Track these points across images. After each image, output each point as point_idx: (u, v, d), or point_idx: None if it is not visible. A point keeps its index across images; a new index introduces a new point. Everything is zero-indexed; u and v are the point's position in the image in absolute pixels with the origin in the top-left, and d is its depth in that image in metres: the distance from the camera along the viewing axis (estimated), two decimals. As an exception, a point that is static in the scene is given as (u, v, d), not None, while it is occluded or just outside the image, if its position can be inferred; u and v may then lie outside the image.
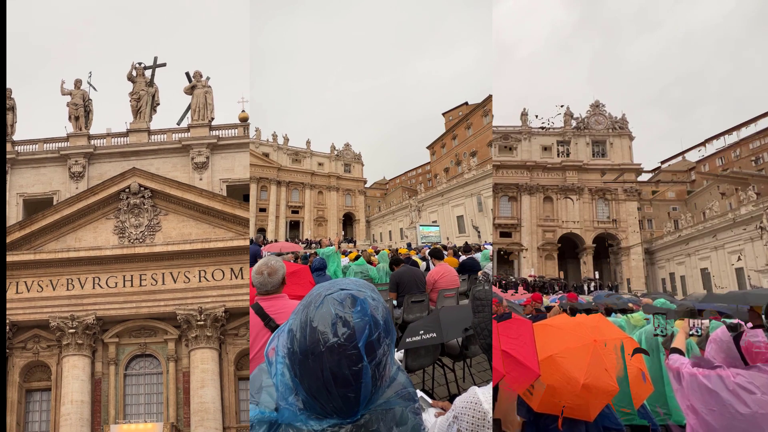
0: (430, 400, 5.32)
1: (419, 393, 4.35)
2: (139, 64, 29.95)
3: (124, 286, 26.10)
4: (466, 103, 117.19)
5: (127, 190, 26.58)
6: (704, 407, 4.27)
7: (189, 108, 29.11)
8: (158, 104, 30.06)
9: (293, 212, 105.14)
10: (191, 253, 26.02)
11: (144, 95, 29.23)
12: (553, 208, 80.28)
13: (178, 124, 29.54)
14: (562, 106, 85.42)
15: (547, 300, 27.57)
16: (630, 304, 20.19)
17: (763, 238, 52.65)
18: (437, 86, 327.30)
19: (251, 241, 33.60)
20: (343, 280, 2.13)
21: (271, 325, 5.11)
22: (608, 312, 15.30)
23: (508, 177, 79.98)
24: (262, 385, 2.13)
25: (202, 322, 25.35)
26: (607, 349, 5.17)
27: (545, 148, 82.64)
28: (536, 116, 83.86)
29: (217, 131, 28.76)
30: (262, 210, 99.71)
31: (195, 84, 29.18)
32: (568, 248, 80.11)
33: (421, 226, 71.04)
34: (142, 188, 26.61)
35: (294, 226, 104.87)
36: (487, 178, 77.34)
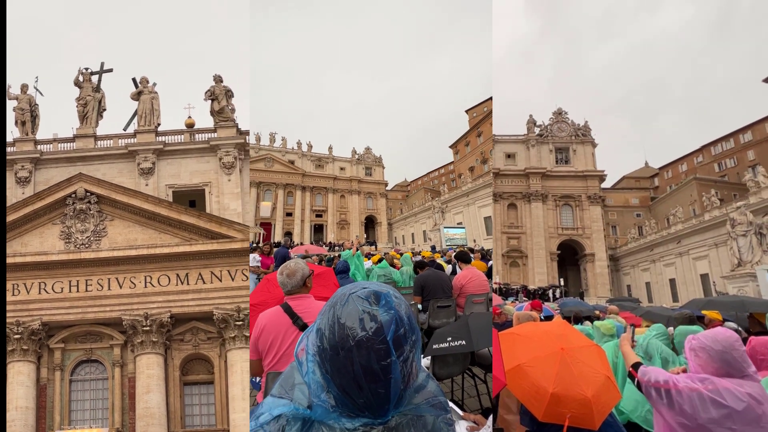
0: (460, 412, 5.32)
1: (449, 404, 4.30)
2: (86, 69, 29.98)
3: (70, 291, 26.01)
4: (491, 99, 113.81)
5: (73, 195, 26.53)
6: (718, 426, 4.00)
7: (135, 114, 29.17)
8: (104, 110, 30.00)
9: (317, 216, 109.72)
10: (137, 258, 26.01)
11: (91, 100, 29.16)
12: (517, 214, 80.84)
13: (125, 129, 29.62)
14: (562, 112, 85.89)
15: (512, 308, 27.83)
16: (597, 312, 20.42)
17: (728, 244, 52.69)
18: (457, 84, 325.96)
19: (278, 244, 34.25)
20: (364, 281, 2.22)
21: (298, 323, 5.38)
22: (577, 320, 15.53)
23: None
24: (295, 383, 2.15)
25: (147, 328, 25.36)
26: (576, 357, 5.04)
27: (509, 156, 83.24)
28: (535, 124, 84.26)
29: (163, 137, 28.81)
30: (289, 214, 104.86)
31: (141, 90, 29.23)
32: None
33: (445, 228, 68.99)
34: (88, 193, 26.55)
35: (318, 230, 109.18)
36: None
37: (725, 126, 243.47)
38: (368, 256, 29.23)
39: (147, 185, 28.00)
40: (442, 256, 28.92)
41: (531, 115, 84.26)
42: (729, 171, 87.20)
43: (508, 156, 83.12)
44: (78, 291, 26.02)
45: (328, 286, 9.11)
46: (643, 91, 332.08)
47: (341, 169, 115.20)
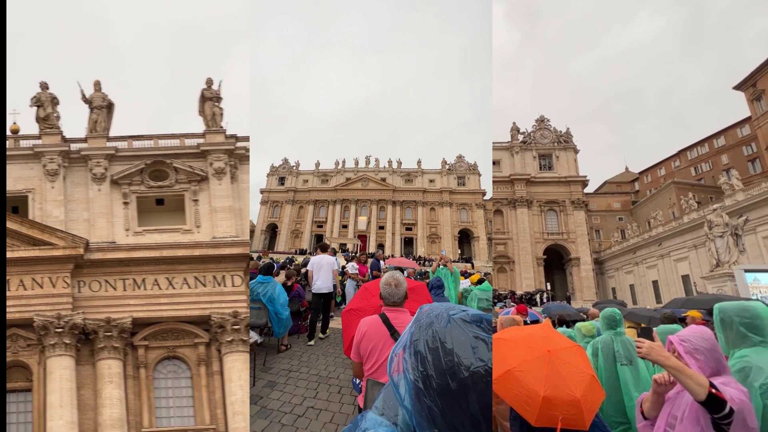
0: None
1: None
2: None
3: None
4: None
5: None
6: None
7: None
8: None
9: (407, 229, 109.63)
10: (-44, 264, 24.46)
11: None
12: (503, 220, 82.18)
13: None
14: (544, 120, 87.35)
15: (498, 312, 26.92)
16: (583, 314, 21.23)
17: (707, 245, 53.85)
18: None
19: (372, 255, 34.11)
20: (451, 303, 1.81)
21: (395, 336, 5.32)
22: (561, 323, 15.61)
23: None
24: (398, 404, 1.85)
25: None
26: (562, 358, 4.95)
27: (493, 162, 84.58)
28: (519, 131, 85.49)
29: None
30: (381, 228, 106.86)
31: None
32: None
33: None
34: None
35: (408, 243, 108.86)
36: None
37: (700, 131, 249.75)
38: (464, 275, 26.81)
39: (-32, 191, 26.94)
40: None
41: (514, 123, 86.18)
42: (705, 174, 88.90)
43: (493, 163, 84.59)
44: None
45: (421, 302, 8.65)
46: (620, 99, 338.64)
47: (430, 181, 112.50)
